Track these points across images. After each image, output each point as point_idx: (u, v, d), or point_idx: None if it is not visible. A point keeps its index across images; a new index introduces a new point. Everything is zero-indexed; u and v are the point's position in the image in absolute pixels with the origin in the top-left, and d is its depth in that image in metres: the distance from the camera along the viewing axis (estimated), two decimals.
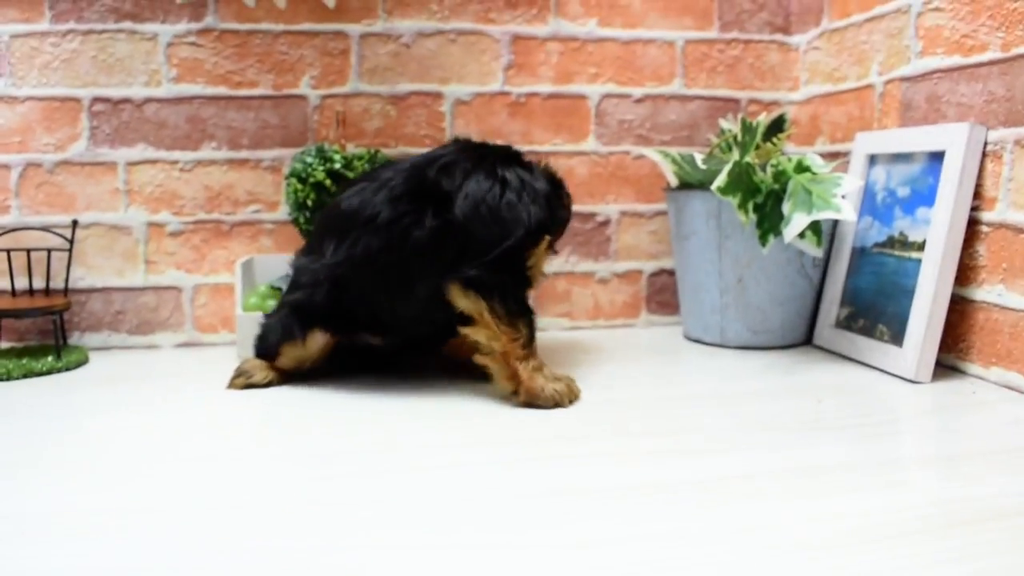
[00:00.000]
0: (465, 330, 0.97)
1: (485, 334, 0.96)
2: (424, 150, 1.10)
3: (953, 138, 1.06)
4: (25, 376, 1.12)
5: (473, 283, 0.95)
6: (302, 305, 1.03)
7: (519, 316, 0.96)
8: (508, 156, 1.03)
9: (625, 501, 0.69)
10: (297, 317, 1.03)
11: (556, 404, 0.95)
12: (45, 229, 1.25)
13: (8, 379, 1.10)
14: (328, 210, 1.08)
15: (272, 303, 1.21)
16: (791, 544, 0.61)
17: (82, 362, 1.19)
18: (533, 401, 0.95)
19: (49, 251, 1.24)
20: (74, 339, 1.29)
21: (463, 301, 0.96)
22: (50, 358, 1.16)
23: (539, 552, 0.60)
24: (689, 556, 0.59)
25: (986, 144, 1.05)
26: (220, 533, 0.64)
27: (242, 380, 1.05)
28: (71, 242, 1.25)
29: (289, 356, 1.05)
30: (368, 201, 1.00)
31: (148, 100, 1.29)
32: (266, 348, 1.07)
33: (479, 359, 0.98)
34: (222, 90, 1.30)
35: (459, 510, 0.68)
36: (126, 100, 1.28)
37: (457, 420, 0.92)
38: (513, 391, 0.97)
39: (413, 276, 0.98)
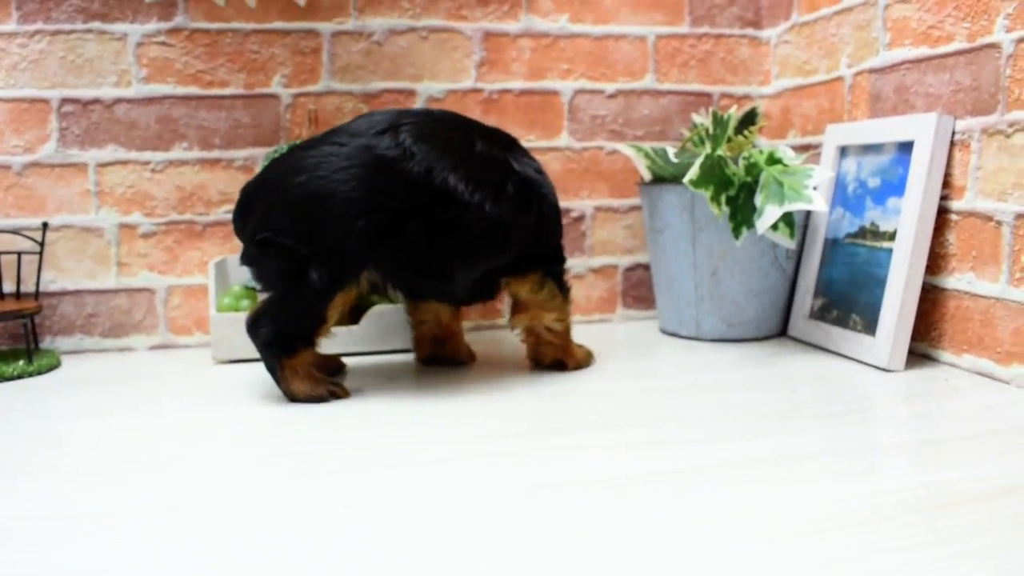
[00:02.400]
0: (534, 310, 1.08)
1: (554, 316, 1.08)
2: None
3: (921, 128, 1.07)
4: None
5: (551, 274, 1.08)
6: (349, 249, 0.96)
7: (567, 299, 1.10)
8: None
9: (602, 492, 0.69)
10: (344, 262, 0.97)
11: (588, 365, 1.14)
12: (15, 232, 1.24)
13: None
14: (388, 164, 0.97)
15: (246, 303, 1.20)
16: (767, 531, 0.61)
17: (54, 366, 1.18)
18: (579, 366, 1.12)
19: (19, 254, 1.23)
20: (46, 343, 1.28)
21: (532, 288, 1.06)
22: (21, 362, 1.14)
23: (517, 545, 0.60)
24: (667, 545, 0.60)
25: (954, 133, 1.06)
26: (198, 534, 0.63)
27: (323, 389, 0.99)
28: (42, 245, 1.24)
29: (338, 307, 0.98)
30: (473, 181, 0.98)
31: (118, 100, 1.27)
32: (303, 326, 0.97)
33: (546, 336, 1.10)
34: (193, 90, 1.29)
35: (438, 505, 0.67)
36: (96, 101, 1.27)
37: (432, 417, 0.92)
38: (560, 362, 1.11)
39: (492, 254, 1.02)
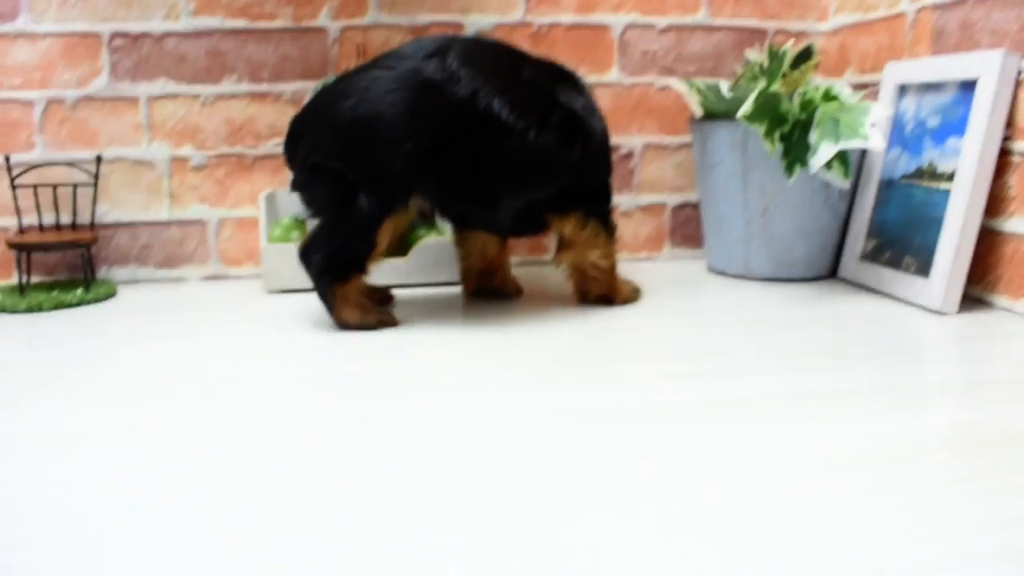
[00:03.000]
0: (578, 248, 1.08)
1: (599, 253, 1.08)
2: None
3: (986, 66, 1.04)
4: (56, 308, 1.13)
5: (594, 212, 1.07)
6: (396, 175, 0.96)
7: (612, 237, 1.09)
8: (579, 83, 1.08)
9: (645, 420, 0.70)
10: (392, 186, 0.97)
11: (634, 301, 1.14)
12: (70, 164, 1.26)
13: (40, 311, 1.12)
14: (431, 90, 0.96)
15: (296, 235, 1.21)
16: (806, 460, 0.61)
17: (111, 295, 1.21)
18: (625, 302, 1.13)
19: (75, 186, 1.25)
20: (102, 273, 1.30)
21: (576, 226, 1.06)
22: (79, 291, 1.17)
23: (553, 465, 0.61)
24: (705, 469, 0.60)
25: (1020, 72, 1.02)
26: (243, 450, 0.65)
27: (373, 318, 1.00)
28: (96, 177, 1.26)
29: (388, 233, 0.99)
30: (514, 108, 0.97)
31: (167, 34, 1.28)
32: (353, 251, 0.98)
33: (591, 272, 1.10)
34: (241, 23, 1.29)
35: (483, 428, 0.68)
36: (145, 35, 1.27)
37: (477, 346, 0.93)
38: (607, 297, 1.11)
39: (535, 184, 1.02)
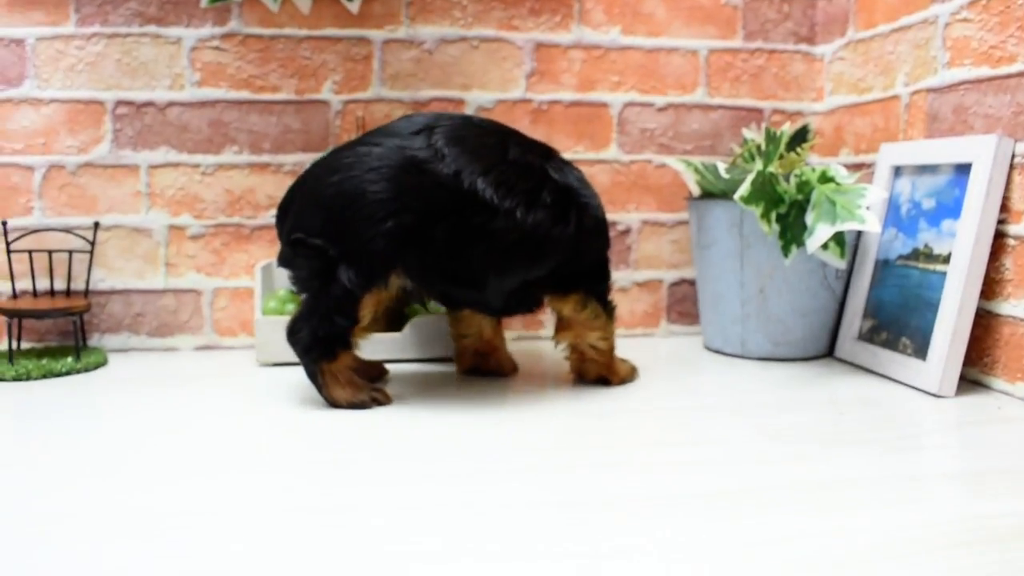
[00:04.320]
0: (578, 328, 1.07)
1: (598, 335, 1.07)
2: None
3: (980, 150, 1.05)
4: (44, 377, 1.12)
5: (594, 292, 1.06)
6: (379, 251, 0.95)
7: (611, 318, 1.08)
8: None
9: (643, 511, 0.68)
10: (372, 263, 0.96)
11: (631, 380, 1.13)
12: (67, 231, 1.26)
13: (28, 379, 1.11)
14: (416, 169, 0.95)
15: (291, 307, 1.21)
16: (810, 559, 0.60)
17: (101, 364, 1.20)
18: (622, 382, 1.11)
19: (71, 252, 1.25)
20: (93, 340, 1.29)
21: (575, 307, 1.05)
22: (69, 359, 1.16)
23: (554, 563, 0.59)
24: (706, 569, 0.58)
25: (1013, 156, 1.03)
26: (234, 539, 0.63)
27: (365, 395, 0.99)
28: (92, 244, 1.26)
29: (370, 308, 0.97)
30: (501, 186, 0.95)
31: (171, 103, 1.29)
32: (336, 326, 0.96)
33: (589, 354, 1.09)
34: (245, 94, 1.31)
35: (474, 520, 0.67)
36: (149, 103, 1.29)
37: (472, 429, 0.92)
38: (603, 378, 1.10)
39: (526, 264, 1.00)
